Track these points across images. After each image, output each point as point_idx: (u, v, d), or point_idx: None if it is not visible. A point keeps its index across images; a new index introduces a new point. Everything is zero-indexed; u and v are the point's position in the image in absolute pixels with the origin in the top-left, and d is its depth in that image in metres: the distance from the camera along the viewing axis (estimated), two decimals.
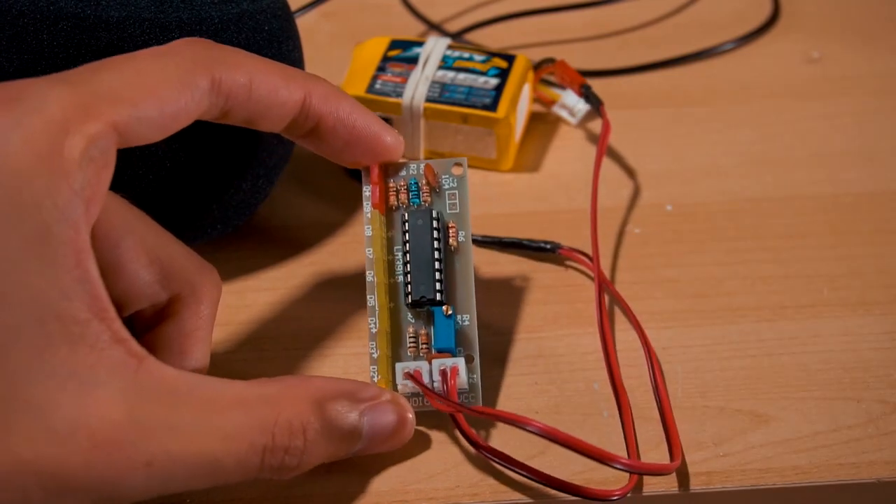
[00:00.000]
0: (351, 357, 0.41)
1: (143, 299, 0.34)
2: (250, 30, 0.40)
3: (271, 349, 0.41)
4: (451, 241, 0.38)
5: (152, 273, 0.34)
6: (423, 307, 0.37)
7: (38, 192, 0.28)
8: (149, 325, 0.35)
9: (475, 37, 0.57)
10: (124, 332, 0.30)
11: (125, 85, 0.30)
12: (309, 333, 0.42)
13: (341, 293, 0.43)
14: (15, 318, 0.28)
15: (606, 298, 0.42)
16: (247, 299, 0.43)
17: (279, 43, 0.41)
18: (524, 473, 0.36)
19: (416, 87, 0.48)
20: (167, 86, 0.31)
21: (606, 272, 0.44)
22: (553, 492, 0.36)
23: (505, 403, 0.39)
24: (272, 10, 0.41)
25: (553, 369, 0.40)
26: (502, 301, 0.43)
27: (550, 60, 0.51)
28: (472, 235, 0.45)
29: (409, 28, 0.57)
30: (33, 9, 0.37)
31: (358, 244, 0.45)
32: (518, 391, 0.39)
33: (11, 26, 0.37)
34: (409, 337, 0.37)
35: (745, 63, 0.55)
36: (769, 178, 0.48)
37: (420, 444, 0.37)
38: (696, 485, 0.36)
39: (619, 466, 0.34)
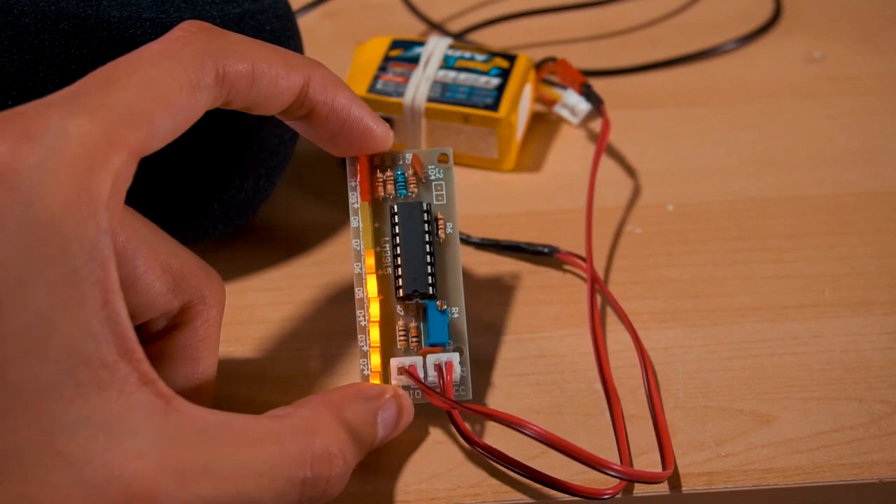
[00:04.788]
0: (353, 357, 0.41)
1: (156, 309, 0.34)
2: (252, 29, 0.40)
3: (273, 349, 0.41)
4: (439, 232, 0.38)
5: (165, 283, 0.34)
6: (414, 300, 0.37)
7: (67, 237, 0.27)
8: (160, 333, 0.35)
9: (477, 36, 0.57)
10: (152, 373, 0.29)
11: (139, 101, 0.29)
12: (310, 333, 0.42)
13: (342, 293, 0.43)
14: (46, 369, 0.27)
15: (599, 299, 0.42)
16: (247, 299, 0.43)
17: (280, 42, 0.41)
18: (519, 471, 0.36)
19: (418, 86, 0.48)
20: (178, 92, 0.30)
21: (607, 272, 0.44)
22: (553, 492, 0.36)
23: (507, 403, 0.39)
24: (274, 9, 0.41)
25: (555, 369, 0.40)
26: (504, 301, 0.43)
27: (552, 60, 0.51)
28: (471, 238, 0.45)
29: (411, 28, 0.57)
30: (34, 9, 0.37)
31: None
32: (520, 391, 0.39)
33: (12, 26, 0.37)
34: (400, 331, 0.37)
35: (747, 63, 0.55)
36: (771, 177, 0.48)
37: (421, 444, 0.37)
38: (697, 485, 0.36)
39: (611, 473, 0.34)
